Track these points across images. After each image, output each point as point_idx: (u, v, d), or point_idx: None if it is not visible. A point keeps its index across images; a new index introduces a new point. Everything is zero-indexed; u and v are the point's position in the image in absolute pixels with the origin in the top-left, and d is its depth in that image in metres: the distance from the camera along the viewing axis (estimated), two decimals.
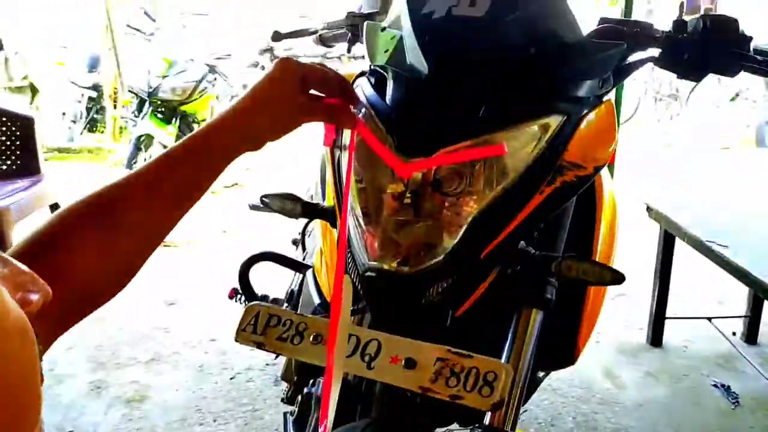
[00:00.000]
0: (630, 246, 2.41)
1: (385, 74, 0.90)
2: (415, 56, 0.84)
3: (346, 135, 0.90)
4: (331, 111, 0.81)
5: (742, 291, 2.62)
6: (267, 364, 2.39)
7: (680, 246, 2.40)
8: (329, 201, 1.07)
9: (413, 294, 0.84)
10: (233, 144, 0.75)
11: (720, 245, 2.05)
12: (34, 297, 0.42)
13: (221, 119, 0.76)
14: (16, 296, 0.40)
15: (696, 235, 2.16)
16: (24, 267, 0.43)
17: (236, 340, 0.87)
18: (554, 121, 0.83)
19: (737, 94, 7.17)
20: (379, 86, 0.92)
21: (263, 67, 7.65)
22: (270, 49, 7.13)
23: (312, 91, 0.80)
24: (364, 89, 0.92)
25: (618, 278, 0.84)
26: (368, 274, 0.84)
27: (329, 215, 1.03)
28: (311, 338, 0.84)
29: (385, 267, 0.83)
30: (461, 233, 0.82)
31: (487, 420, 0.87)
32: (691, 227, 2.22)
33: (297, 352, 0.84)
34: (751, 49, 0.95)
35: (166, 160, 0.73)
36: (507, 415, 0.87)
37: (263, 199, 1.03)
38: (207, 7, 9.54)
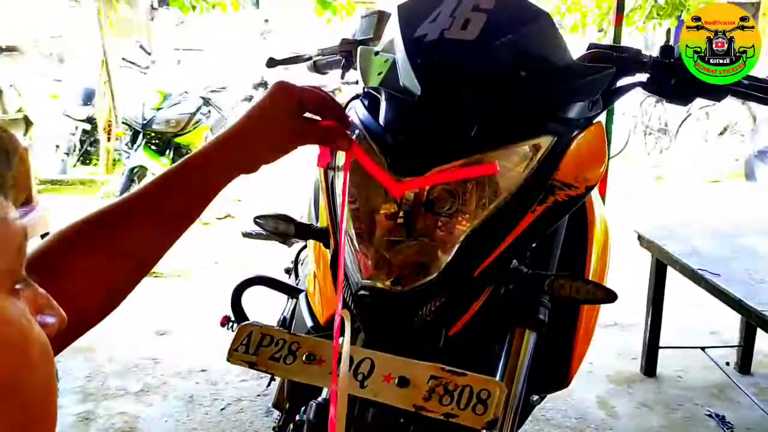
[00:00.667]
0: (621, 277, 2.41)
1: (379, 96, 0.92)
2: (407, 78, 0.86)
3: (340, 156, 0.91)
4: (327, 134, 0.81)
5: (735, 321, 2.62)
6: (258, 395, 2.36)
7: (672, 277, 2.41)
8: (323, 222, 1.07)
9: (406, 313, 0.84)
10: (229, 166, 0.76)
11: (712, 273, 2.06)
12: (51, 320, 0.43)
13: (217, 142, 0.76)
14: (36, 318, 0.42)
15: (688, 263, 2.17)
16: (42, 290, 0.44)
17: (228, 360, 0.86)
18: (545, 141, 0.85)
19: (726, 128, 7.27)
20: (373, 108, 0.93)
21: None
22: (264, 83, 7.19)
23: (307, 114, 0.80)
24: (357, 111, 0.93)
25: (611, 296, 0.84)
26: (361, 293, 0.84)
27: (323, 236, 1.03)
28: (304, 358, 0.83)
29: (378, 285, 0.83)
30: (454, 252, 0.83)
31: None
32: (683, 256, 2.23)
33: (289, 372, 0.84)
34: None
35: (162, 183, 0.73)
36: None
37: (256, 220, 1.03)
38: (202, 42, 9.66)
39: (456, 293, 0.84)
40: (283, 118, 0.77)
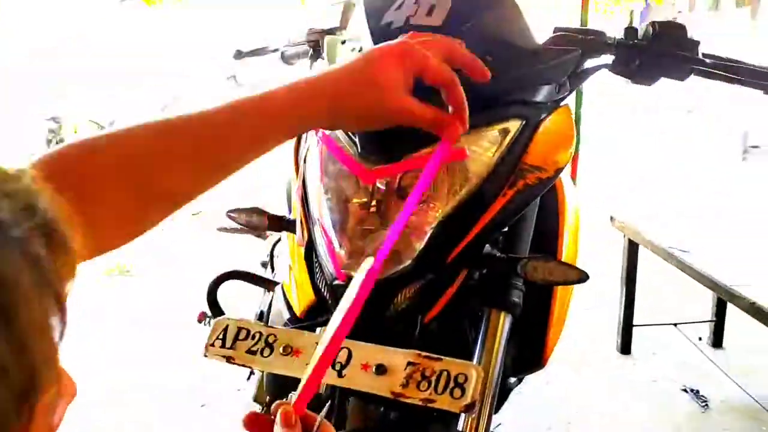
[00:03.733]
0: (595, 259, 2.44)
1: None
2: None
3: (312, 145, 0.90)
4: (437, 119, 0.70)
5: (706, 299, 2.67)
6: (238, 390, 2.35)
7: (644, 257, 2.45)
8: (295, 213, 1.07)
9: (382, 301, 0.84)
10: (306, 119, 0.65)
11: (682, 250, 2.09)
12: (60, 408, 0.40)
13: (298, 89, 0.64)
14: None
15: (659, 242, 2.20)
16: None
17: (205, 355, 0.86)
18: (513, 125, 0.85)
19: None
20: None
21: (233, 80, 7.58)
22: (233, 77, 7.11)
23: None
24: None
25: (583, 277, 0.85)
26: (336, 282, 0.84)
27: (295, 227, 1.02)
28: (281, 350, 0.83)
29: (353, 275, 0.83)
30: (427, 238, 0.83)
31: (460, 426, 0.88)
32: (654, 235, 2.26)
33: (267, 365, 0.83)
34: (700, 53, 0.98)
35: (212, 127, 0.62)
36: (480, 421, 0.87)
37: (229, 213, 1.02)
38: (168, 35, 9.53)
39: (430, 279, 0.85)
40: (395, 89, 0.65)
